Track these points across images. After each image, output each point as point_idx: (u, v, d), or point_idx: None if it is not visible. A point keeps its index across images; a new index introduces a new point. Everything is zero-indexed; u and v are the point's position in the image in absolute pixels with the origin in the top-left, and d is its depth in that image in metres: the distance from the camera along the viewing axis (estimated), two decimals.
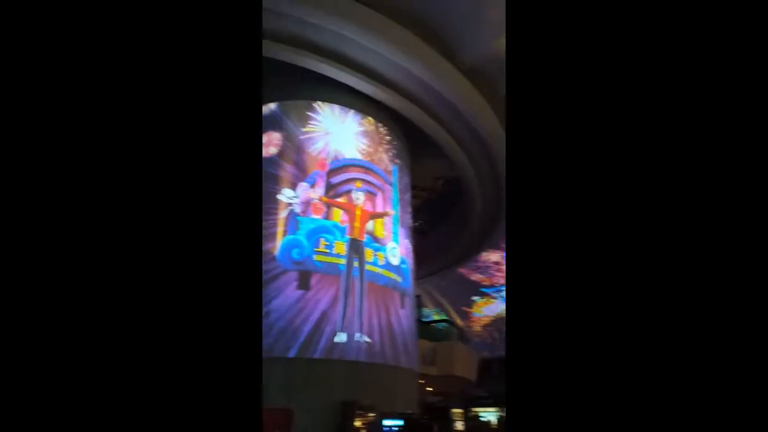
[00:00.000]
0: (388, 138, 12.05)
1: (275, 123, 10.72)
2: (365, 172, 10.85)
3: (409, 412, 8.16)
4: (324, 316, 8.63)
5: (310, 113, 10.88)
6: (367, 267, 9.70)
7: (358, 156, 10.94)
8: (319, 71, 10.43)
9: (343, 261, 9.41)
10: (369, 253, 9.87)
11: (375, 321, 9.34)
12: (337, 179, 10.29)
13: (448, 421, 14.38)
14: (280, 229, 9.25)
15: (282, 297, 8.51)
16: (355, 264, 9.49)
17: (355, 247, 9.69)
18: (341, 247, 9.56)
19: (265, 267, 8.78)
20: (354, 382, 8.35)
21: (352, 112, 11.38)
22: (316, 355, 8.21)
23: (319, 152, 10.42)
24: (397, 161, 12.14)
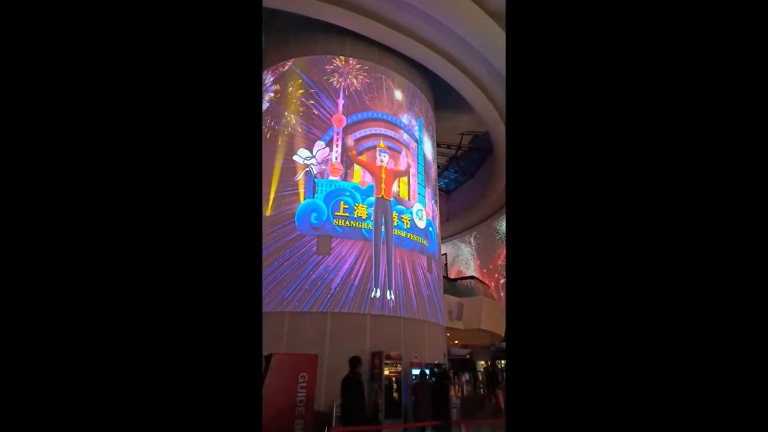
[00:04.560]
0: (409, 91, 10.88)
1: (291, 80, 9.81)
2: (387, 127, 9.71)
3: (437, 362, 7.91)
4: (351, 275, 7.96)
5: (327, 68, 9.84)
6: (394, 231, 8.78)
7: (377, 110, 9.82)
8: (335, 23, 9.39)
9: (365, 225, 8.45)
10: (394, 216, 8.89)
11: (401, 281, 8.54)
12: (356, 136, 9.22)
13: (474, 372, 14.57)
14: (300, 191, 8.58)
15: (303, 260, 7.99)
16: (382, 228, 8.66)
17: (382, 207, 8.78)
18: (362, 211, 8.54)
19: (284, 232, 8.24)
20: (383, 334, 7.95)
21: (370, 65, 10.24)
22: (346, 310, 7.71)
23: (337, 108, 9.45)
24: (421, 117, 10.99)
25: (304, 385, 5.81)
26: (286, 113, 9.34)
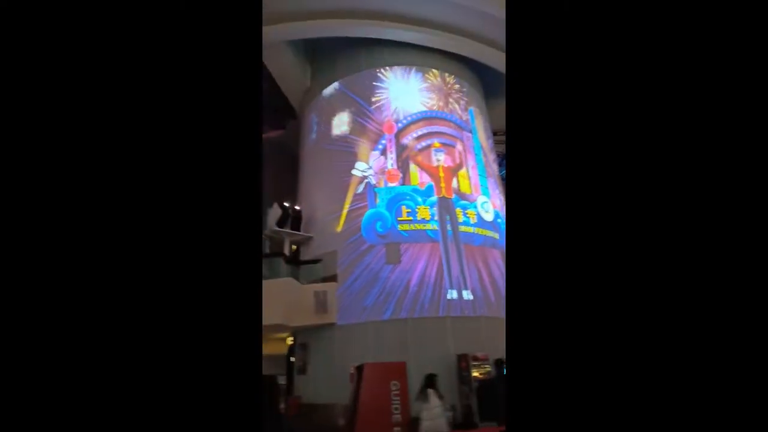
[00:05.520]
0: (457, 86, 10.51)
1: (341, 100, 10.11)
2: (437, 123, 9.46)
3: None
4: (424, 278, 7.79)
5: (374, 83, 9.97)
6: (460, 228, 8.45)
7: (425, 109, 9.61)
8: (377, 36, 9.53)
9: (429, 226, 8.26)
10: (458, 213, 8.57)
11: (476, 278, 8.14)
12: (408, 138, 9.12)
13: None
14: (364, 203, 8.67)
15: (377, 269, 8.05)
16: (448, 227, 8.42)
17: (445, 206, 8.52)
18: (425, 212, 8.38)
19: (355, 245, 8.42)
20: (465, 335, 7.58)
21: (414, 69, 10.14)
22: (425, 314, 7.53)
23: (386, 116, 9.44)
24: (472, 107, 10.57)
25: (397, 392, 5.87)
26: (341, 132, 9.62)
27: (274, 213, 9.21)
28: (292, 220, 9.35)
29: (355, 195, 8.75)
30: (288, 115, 12.26)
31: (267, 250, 9.17)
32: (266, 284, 7.85)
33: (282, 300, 7.57)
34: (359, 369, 6.17)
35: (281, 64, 10.60)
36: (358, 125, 9.50)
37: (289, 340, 9.00)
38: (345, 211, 8.71)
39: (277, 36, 9.31)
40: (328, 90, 10.52)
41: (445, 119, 9.69)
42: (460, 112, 10.08)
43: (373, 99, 9.70)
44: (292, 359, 8.79)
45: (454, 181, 9.00)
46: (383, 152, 9.03)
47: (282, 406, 7.06)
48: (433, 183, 8.73)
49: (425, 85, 10.00)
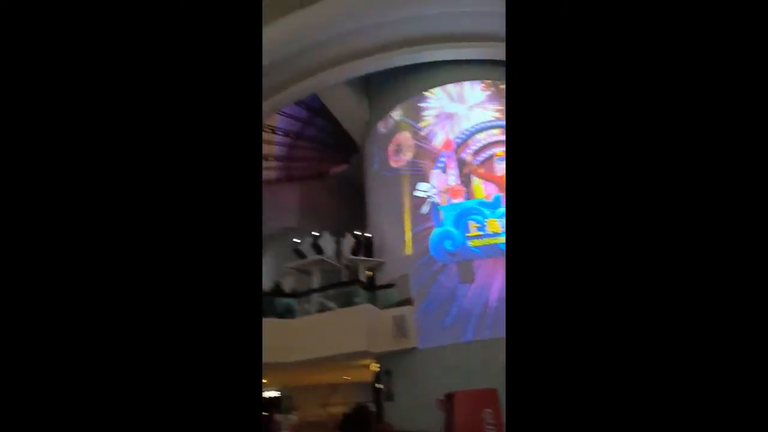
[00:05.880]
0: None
1: (398, 127, 10.38)
2: (496, 133, 9.17)
3: None
4: (502, 294, 7.44)
5: (427, 104, 10.11)
6: None
7: (481, 121, 9.37)
8: (424, 60, 9.73)
9: (501, 239, 7.85)
10: None
11: None
12: (466, 152, 8.93)
13: None
14: (430, 223, 8.65)
15: (451, 288, 7.83)
16: None
17: None
18: (495, 225, 8.02)
19: (425, 266, 8.34)
20: None
21: (464, 84, 10.07)
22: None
23: (442, 134, 9.39)
24: None
25: (492, 422, 5.52)
26: (400, 157, 9.83)
27: (347, 242, 9.60)
28: (365, 247, 9.64)
29: (421, 216, 8.75)
30: (351, 149, 12.93)
31: (344, 278, 9.53)
32: (346, 312, 8.13)
33: (362, 326, 7.73)
34: (449, 397, 5.96)
35: (340, 103, 11.32)
36: (416, 148, 9.61)
37: (373, 367, 9.07)
38: (411, 234, 8.73)
39: (333, 78, 9.99)
40: (385, 119, 10.89)
41: (502, 127, 9.36)
42: None
43: (428, 120, 9.78)
44: (379, 386, 8.82)
45: None
46: (444, 170, 8.96)
47: None
48: (500, 193, 8.37)
49: (479, 97, 9.82)
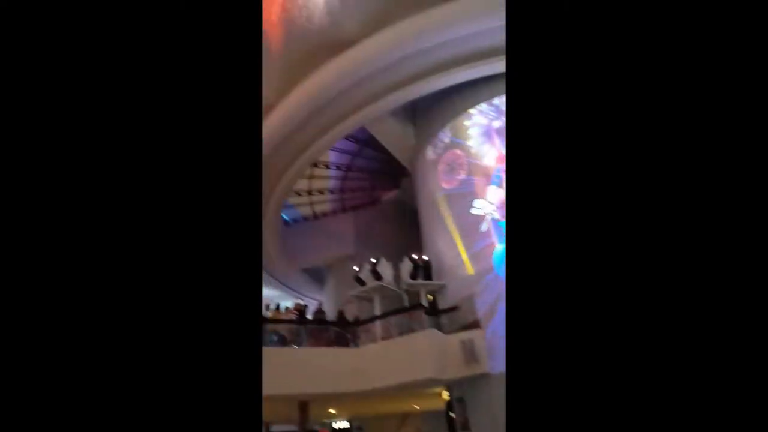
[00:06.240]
0: None
1: (446, 147, 10.36)
2: None
3: None
4: None
5: (468, 122, 10.05)
6: None
7: None
8: (467, 79, 9.75)
9: None
10: None
11: None
12: None
13: None
14: (492, 240, 8.34)
15: None
16: None
17: None
18: None
19: (489, 285, 7.98)
20: None
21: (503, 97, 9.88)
22: None
23: (494, 149, 9.22)
24: None
25: None
26: (452, 176, 9.74)
27: (405, 267, 9.53)
28: (423, 270, 9.49)
29: (480, 233, 8.48)
30: (400, 174, 13.08)
31: (405, 303, 9.40)
32: (411, 338, 7.93)
33: (429, 353, 7.46)
34: None
35: (386, 132, 11.60)
36: (469, 165, 9.48)
37: (444, 395, 8.67)
38: (468, 253, 8.46)
39: (379, 110, 10.31)
40: (432, 141, 10.94)
41: None
42: None
43: (476, 137, 9.66)
44: (452, 414, 8.37)
45: None
46: (500, 184, 8.70)
47: None
48: None
49: None
